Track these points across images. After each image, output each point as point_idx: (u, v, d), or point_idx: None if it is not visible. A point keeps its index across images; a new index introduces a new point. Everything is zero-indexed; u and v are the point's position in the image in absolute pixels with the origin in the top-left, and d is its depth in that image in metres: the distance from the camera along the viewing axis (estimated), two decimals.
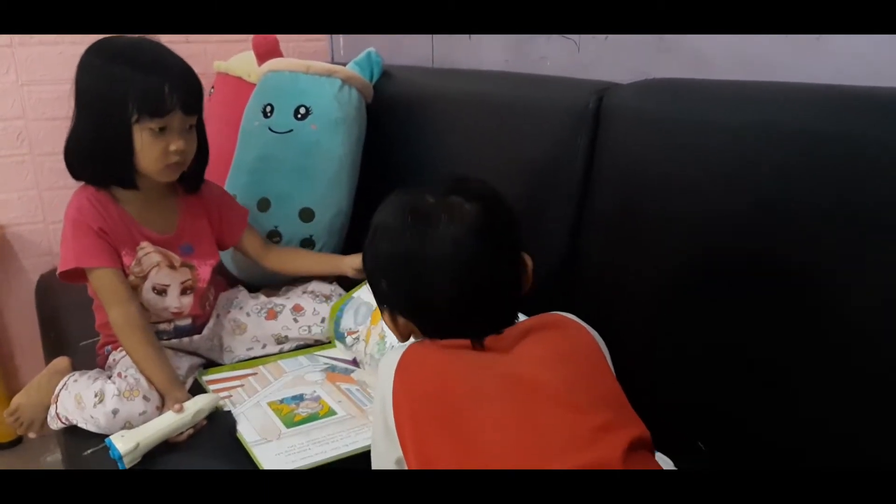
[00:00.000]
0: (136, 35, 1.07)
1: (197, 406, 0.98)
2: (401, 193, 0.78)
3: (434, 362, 0.71)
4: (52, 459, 1.72)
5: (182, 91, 1.03)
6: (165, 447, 0.96)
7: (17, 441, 1.79)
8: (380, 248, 0.76)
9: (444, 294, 0.73)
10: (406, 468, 0.69)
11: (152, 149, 1.03)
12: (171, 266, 1.14)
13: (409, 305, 0.76)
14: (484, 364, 0.70)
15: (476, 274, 0.72)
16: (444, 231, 0.72)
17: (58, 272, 1.08)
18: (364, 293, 1.22)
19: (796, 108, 0.82)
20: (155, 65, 1.02)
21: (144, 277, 1.12)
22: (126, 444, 0.91)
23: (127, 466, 0.91)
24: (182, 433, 0.97)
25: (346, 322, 1.21)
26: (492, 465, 0.63)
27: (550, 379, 0.67)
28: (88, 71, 1.04)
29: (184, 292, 1.17)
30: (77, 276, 1.08)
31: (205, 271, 1.18)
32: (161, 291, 1.14)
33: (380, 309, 0.81)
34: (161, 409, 1.00)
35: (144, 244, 1.11)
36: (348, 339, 1.19)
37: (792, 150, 0.79)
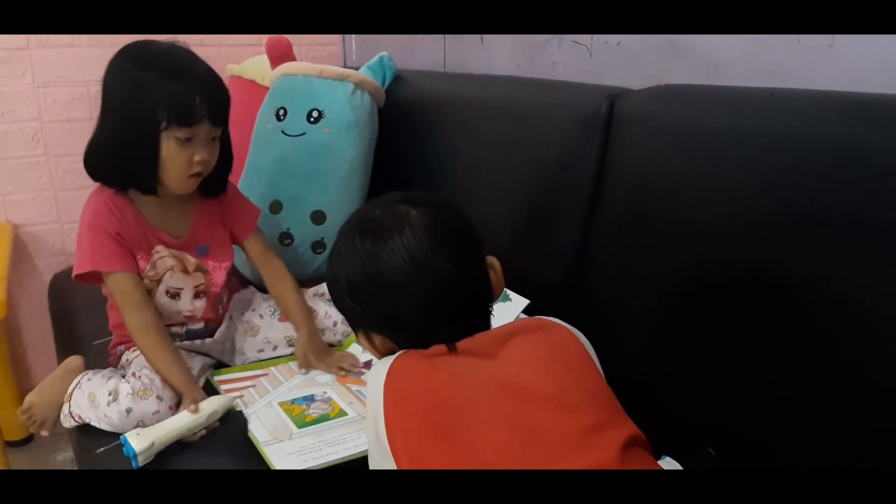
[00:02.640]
0: (168, 41, 1.07)
1: (212, 407, 0.99)
2: (352, 214, 0.78)
3: (421, 373, 0.70)
4: (63, 458, 1.73)
5: (211, 101, 1.03)
6: (177, 446, 0.96)
7: (29, 439, 1.80)
8: (339, 272, 0.76)
9: (410, 303, 0.72)
10: None
11: (177, 158, 1.03)
12: (185, 270, 1.15)
13: (380, 322, 0.75)
14: (471, 371, 0.69)
15: (436, 277, 0.71)
16: (395, 243, 0.71)
17: (73, 274, 1.08)
18: None
19: (808, 115, 0.82)
20: (186, 73, 1.02)
21: (158, 281, 1.13)
22: (141, 443, 0.92)
23: (140, 465, 0.92)
24: (196, 433, 0.98)
25: None
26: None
27: (539, 382, 0.67)
28: (118, 75, 1.03)
29: (197, 296, 1.17)
30: (92, 277, 1.08)
31: (219, 276, 1.18)
32: (174, 295, 1.15)
33: (354, 332, 0.80)
34: (174, 408, 1.01)
35: (159, 248, 1.12)
36: None
37: (804, 157, 0.79)
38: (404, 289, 0.71)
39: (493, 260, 0.78)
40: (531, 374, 0.68)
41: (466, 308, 0.75)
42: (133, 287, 1.07)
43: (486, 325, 0.76)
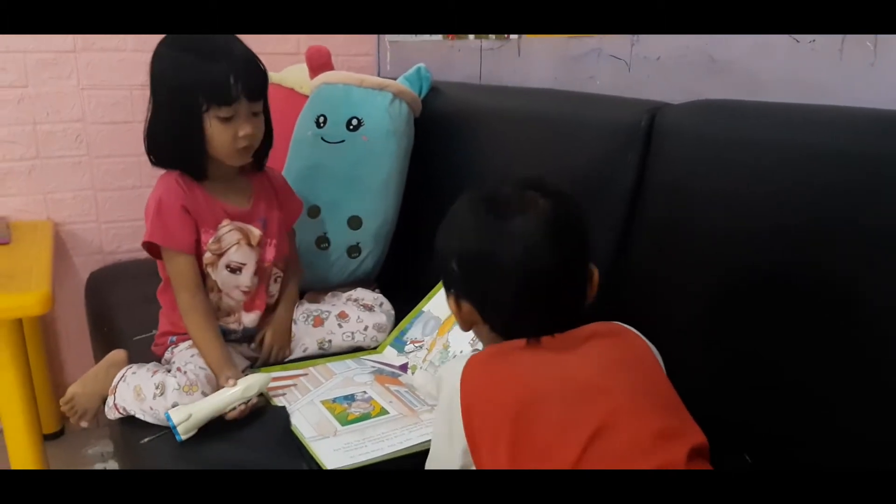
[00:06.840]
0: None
1: (247, 382, 1.03)
2: (476, 189, 0.80)
3: (497, 369, 0.72)
4: (94, 451, 1.76)
5: (246, 79, 1.09)
6: (221, 439, 0.99)
7: (60, 433, 1.84)
8: (452, 233, 0.77)
9: (511, 289, 0.73)
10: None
11: (222, 135, 1.10)
12: (249, 244, 1.19)
13: (475, 295, 0.77)
14: (548, 368, 0.71)
15: (542, 269, 0.72)
16: (516, 226, 0.72)
17: (142, 242, 1.14)
18: (434, 307, 1.26)
19: (846, 132, 0.84)
20: (221, 54, 1.08)
21: (221, 255, 1.16)
22: (179, 414, 0.96)
23: (183, 437, 0.96)
24: (235, 408, 1.01)
25: (414, 333, 1.26)
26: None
27: (611, 384, 0.69)
28: (160, 61, 1.11)
29: (256, 272, 1.21)
30: (155, 249, 1.15)
31: (270, 252, 1.23)
32: (236, 269, 1.19)
33: (446, 292, 0.81)
34: None
35: (226, 222, 1.16)
36: (409, 346, 1.23)
37: (842, 172, 0.81)
38: (510, 273, 0.72)
39: (593, 268, 0.79)
40: (603, 376, 0.70)
41: (560, 305, 0.76)
42: (190, 269, 1.13)
43: (573, 323, 0.77)
